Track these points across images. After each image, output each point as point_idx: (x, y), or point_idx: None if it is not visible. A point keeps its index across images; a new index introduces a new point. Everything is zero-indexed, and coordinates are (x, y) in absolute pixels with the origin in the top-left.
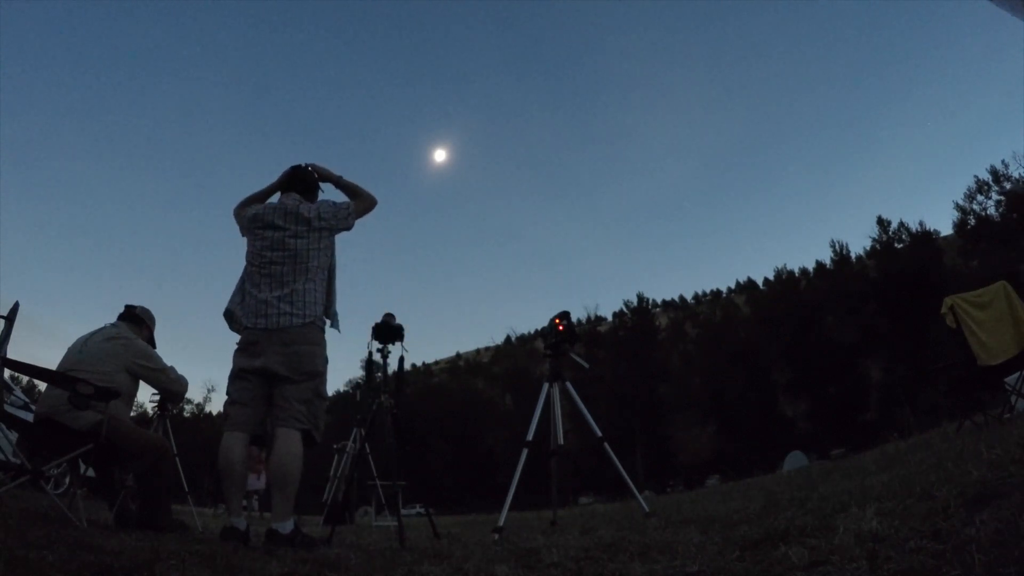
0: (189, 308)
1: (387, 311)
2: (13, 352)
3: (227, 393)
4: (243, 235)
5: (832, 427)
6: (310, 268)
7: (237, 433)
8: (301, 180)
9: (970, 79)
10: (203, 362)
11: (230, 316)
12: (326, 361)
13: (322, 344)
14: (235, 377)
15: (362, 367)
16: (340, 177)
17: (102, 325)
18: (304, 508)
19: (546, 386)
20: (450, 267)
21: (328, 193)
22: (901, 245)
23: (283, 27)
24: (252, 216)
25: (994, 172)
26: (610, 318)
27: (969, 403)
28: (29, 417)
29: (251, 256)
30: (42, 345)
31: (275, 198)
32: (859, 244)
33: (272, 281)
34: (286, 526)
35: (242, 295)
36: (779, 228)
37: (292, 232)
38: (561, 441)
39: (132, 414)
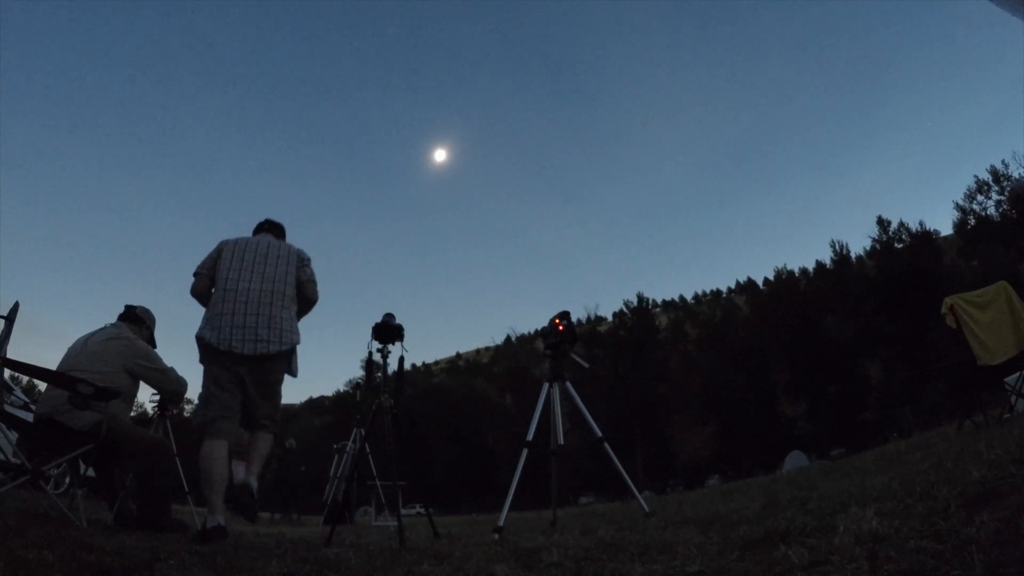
0: (189, 308)
1: (387, 311)
2: (13, 352)
3: (206, 398)
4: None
5: (832, 427)
6: (286, 296)
7: (221, 441)
8: (276, 225)
9: (970, 79)
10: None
11: (202, 340)
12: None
13: (288, 367)
14: (215, 385)
15: (362, 367)
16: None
17: (102, 325)
18: (304, 508)
19: (546, 386)
20: (450, 267)
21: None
22: (901, 245)
23: (283, 28)
24: (228, 256)
25: (994, 172)
26: (610, 318)
27: (969, 403)
28: (29, 417)
29: (228, 281)
30: (42, 345)
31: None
32: (859, 244)
33: (248, 307)
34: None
35: (217, 318)
36: (779, 228)
37: (273, 262)
38: (561, 441)
39: (132, 414)
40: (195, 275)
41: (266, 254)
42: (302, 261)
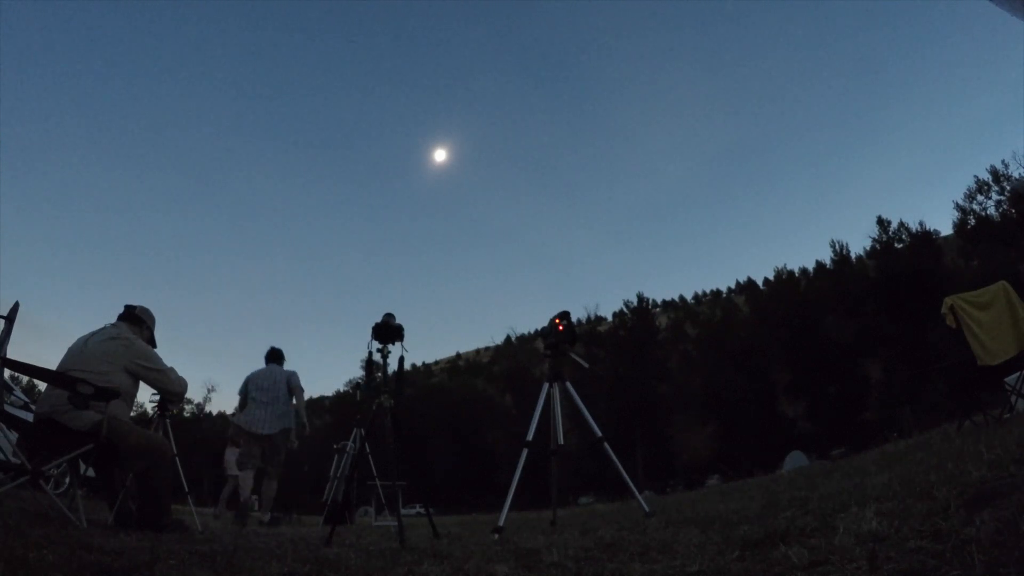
0: (190, 308)
1: (387, 311)
2: (13, 352)
3: (244, 454)
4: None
5: (832, 427)
6: (283, 399)
7: (249, 471)
8: (280, 355)
9: (970, 79)
10: (203, 362)
11: (238, 426)
12: (291, 441)
13: (288, 438)
14: (246, 448)
15: (362, 367)
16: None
17: (103, 325)
18: (304, 508)
19: (546, 386)
20: (450, 267)
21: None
22: (901, 245)
23: (283, 28)
24: (253, 382)
25: (994, 172)
26: (610, 318)
27: (969, 403)
28: (29, 417)
29: (254, 399)
30: (42, 345)
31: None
32: (859, 244)
33: (264, 410)
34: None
35: (251, 415)
36: (779, 228)
37: (277, 384)
38: (561, 441)
39: (132, 414)
40: (240, 395)
41: (272, 380)
42: (294, 377)
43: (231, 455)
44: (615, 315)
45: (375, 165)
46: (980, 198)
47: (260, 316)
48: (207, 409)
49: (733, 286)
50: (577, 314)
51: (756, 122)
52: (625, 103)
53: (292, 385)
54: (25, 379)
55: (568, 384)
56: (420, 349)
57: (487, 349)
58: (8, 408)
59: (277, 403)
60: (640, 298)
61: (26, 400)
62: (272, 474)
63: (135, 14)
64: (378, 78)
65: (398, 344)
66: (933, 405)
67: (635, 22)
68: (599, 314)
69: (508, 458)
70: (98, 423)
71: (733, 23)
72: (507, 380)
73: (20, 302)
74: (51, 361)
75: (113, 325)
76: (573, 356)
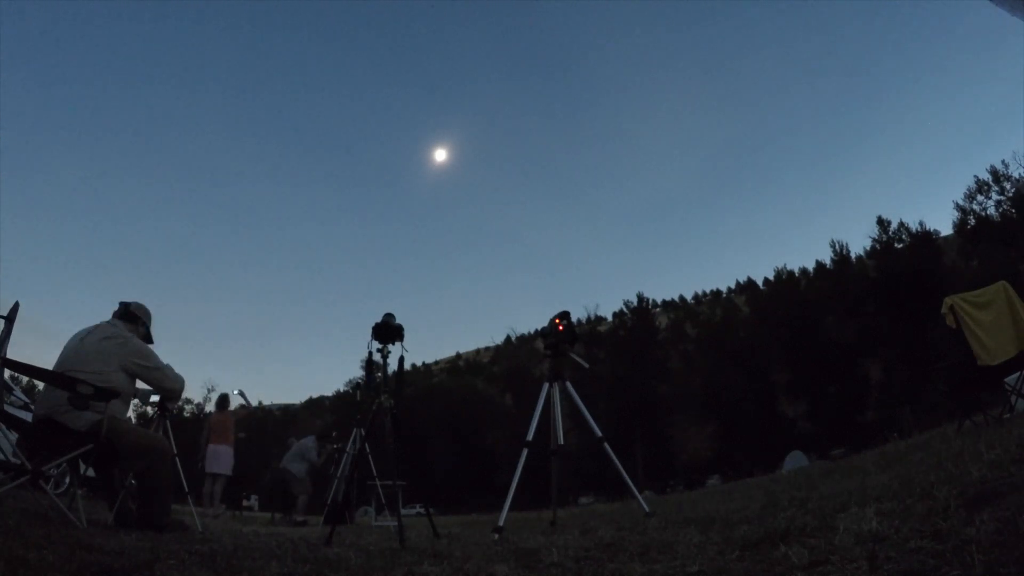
0: (191, 309)
1: (387, 311)
2: (13, 352)
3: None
4: None
5: (832, 427)
6: (297, 454)
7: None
8: (324, 437)
9: (970, 79)
10: (203, 361)
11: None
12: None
13: (292, 476)
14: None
15: (362, 367)
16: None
17: (98, 323)
18: (304, 508)
19: (546, 386)
20: (450, 267)
21: None
22: (901, 245)
23: (281, 29)
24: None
25: (994, 172)
26: (610, 318)
27: (969, 403)
28: (29, 417)
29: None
30: (42, 345)
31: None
32: (859, 244)
33: (291, 456)
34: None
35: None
36: (779, 228)
37: (298, 445)
38: (561, 441)
39: (131, 414)
40: None
41: (297, 442)
42: (305, 445)
43: (209, 451)
44: (615, 315)
45: (375, 165)
46: (980, 198)
47: (261, 316)
48: (207, 409)
49: (733, 286)
50: (577, 314)
51: (755, 122)
52: (624, 103)
53: (302, 446)
54: (25, 379)
55: (568, 384)
56: (420, 349)
57: (487, 349)
58: (8, 408)
59: (297, 455)
60: (640, 298)
61: (26, 400)
62: (298, 496)
63: (134, 16)
64: (378, 78)
65: (398, 344)
66: (933, 405)
67: (634, 22)
68: (599, 314)
69: (508, 458)
70: (97, 423)
71: (731, 23)
72: (507, 380)
73: (20, 302)
74: (50, 362)
75: (109, 323)
76: (573, 356)
